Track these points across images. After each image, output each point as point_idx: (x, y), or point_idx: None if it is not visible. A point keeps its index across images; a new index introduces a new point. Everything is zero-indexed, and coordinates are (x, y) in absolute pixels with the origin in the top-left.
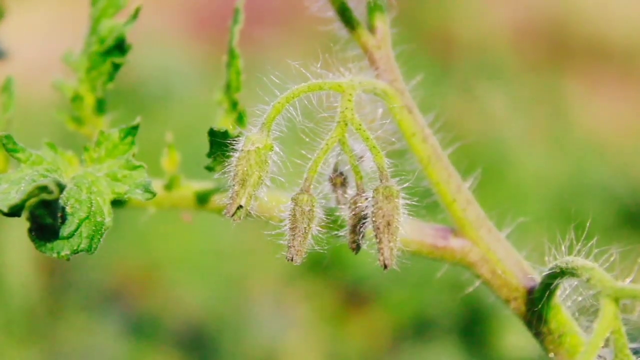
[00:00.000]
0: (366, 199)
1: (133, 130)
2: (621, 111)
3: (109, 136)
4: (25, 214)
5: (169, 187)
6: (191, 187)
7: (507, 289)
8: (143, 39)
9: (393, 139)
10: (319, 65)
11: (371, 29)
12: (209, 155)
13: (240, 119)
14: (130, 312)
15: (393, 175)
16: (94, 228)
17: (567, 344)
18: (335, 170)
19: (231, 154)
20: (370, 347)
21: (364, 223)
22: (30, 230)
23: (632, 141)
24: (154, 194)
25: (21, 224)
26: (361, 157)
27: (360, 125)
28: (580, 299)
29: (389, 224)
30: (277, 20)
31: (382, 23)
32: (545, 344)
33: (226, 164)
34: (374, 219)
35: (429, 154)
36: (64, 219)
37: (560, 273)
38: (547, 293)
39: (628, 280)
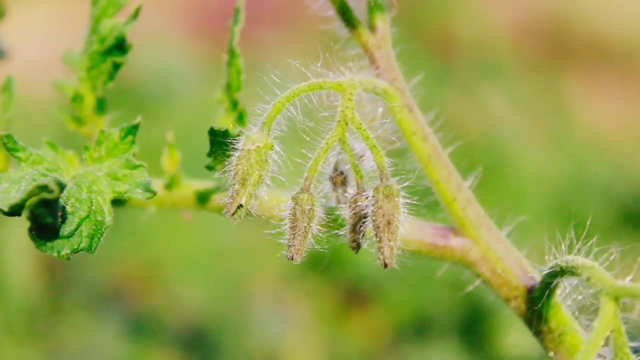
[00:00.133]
0: (366, 198)
1: (133, 130)
2: (621, 111)
3: (109, 135)
4: (25, 213)
5: (169, 186)
6: (191, 186)
7: (507, 287)
8: (143, 38)
9: (393, 138)
10: (319, 65)
11: (371, 28)
12: (210, 154)
13: (240, 118)
14: (131, 311)
15: (393, 174)
16: (94, 227)
17: (567, 342)
18: (335, 169)
19: (232, 153)
20: (371, 346)
21: (364, 222)
22: (30, 230)
23: (633, 140)
24: (154, 193)
25: (21, 223)
26: (361, 156)
27: (360, 124)
28: (580, 297)
29: (389, 223)
30: (277, 19)
31: (383, 22)
32: (545, 343)
33: (226, 163)
34: (374, 218)
35: (429, 153)
36: (64, 218)
37: (560, 272)
38: (547, 292)
39: (628, 279)
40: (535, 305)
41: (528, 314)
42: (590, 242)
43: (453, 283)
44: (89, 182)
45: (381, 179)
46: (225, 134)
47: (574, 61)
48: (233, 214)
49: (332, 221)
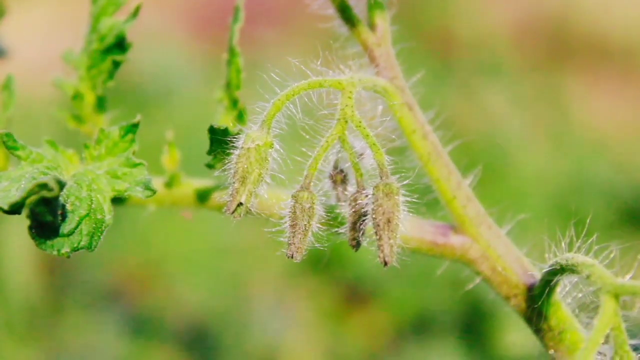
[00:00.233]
0: (366, 196)
1: (133, 128)
2: (621, 109)
3: (109, 134)
4: (25, 212)
5: (169, 184)
6: (191, 184)
7: (507, 286)
8: (144, 37)
9: (393, 136)
10: (319, 63)
11: (371, 26)
12: (209, 152)
13: (240, 117)
14: (131, 311)
15: (393, 172)
16: (94, 225)
17: (568, 340)
18: (335, 167)
19: (231, 151)
20: (371, 345)
21: (364, 220)
22: (30, 228)
23: (633, 139)
24: (154, 192)
25: (22, 221)
26: (361, 155)
27: (360, 122)
28: (580, 295)
29: (389, 221)
30: (277, 18)
31: (382, 20)
32: (545, 341)
33: (226, 161)
34: (374, 216)
35: (429, 151)
36: (64, 216)
37: (560, 270)
38: (547, 290)
39: (628, 276)
40: (535, 303)
41: (528, 312)
42: (590, 240)
43: (453, 281)
44: (88, 180)
45: (381, 177)
46: (225, 132)
47: (574, 60)
48: (233, 212)
49: (332, 219)
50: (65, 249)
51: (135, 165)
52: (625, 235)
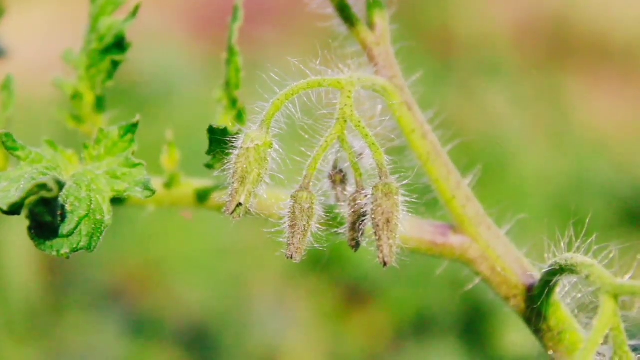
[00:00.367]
0: (365, 196)
1: (132, 128)
2: (622, 109)
3: (108, 134)
4: (24, 212)
5: (168, 185)
6: (191, 184)
7: (506, 286)
8: (143, 37)
9: (392, 136)
10: (318, 62)
11: (370, 25)
12: (209, 152)
13: (239, 117)
14: (131, 311)
15: (392, 172)
16: (93, 226)
17: (567, 340)
18: (334, 167)
19: (230, 151)
20: (371, 345)
21: (363, 220)
22: (29, 229)
23: (633, 138)
24: (153, 192)
25: (21, 222)
26: (360, 154)
27: (359, 122)
28: (579, 296)
29: (388, 221)
30: (276, 18)
31: (382, 19)
32: (544, 341)
33: (226, 161)
34: (373, 216)
35: (428, 151)
36: (63, 217)
37: (560, 270)
38: (546, 290)
39: (627, 277)
40: (535, 304)
41: (527, 312)
42: (590, 240)
43: (453, 282)
44: (88, 180)
45: (380, 177)
46: (224, 132)
47: (574, 60)
48: (232, 213)
49: (332, 219)
50: (65, 250)
51: (135, 165)
52: (625, 234)
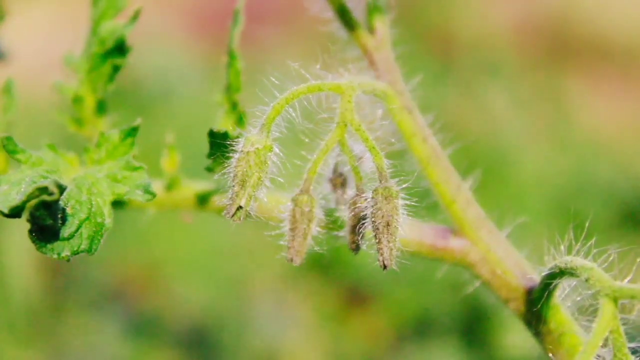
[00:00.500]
0: (366, 199)
1: (133, 132)
2: (622, 109)
3: (109, 137)
4: (25, 215)
5: (169, 187)
6: (191, 187)
7: (506, 289)
8: (144, 38)
9: (393, 140)
10: (318, 67)
11: (371, 30)
12: (209, 156)
13: (240, 120)
14: (132, 312)
15: (392, 176)
16: (94, 229)
17: (567, 343)
18: (335, 171)
19: (231, 155)
20: (372, 347)
21: (363, 224)
22: (30, 232)
23: (633, 139)
24: (154, 195)
25: (22, 223)
26: (361, 158)
27: (359, 126)
28: (579, 298)
29: (388, 225)
30: (277, 20)
31: (382, 24)
32: (544, 344)
33: (226, 164)
34: (373, 220)
35: (428, 155)
36: (64, 220)
37: (560, 273)
38: (546, 293)
39: (626, 280)
40: (535, 307)
41: (527, 315)
42: (590, 243)
43: (453, 283)
44: (89, 184)
45: (380, 181)
46: (225, 135)
47: (575, 61)
48: (233, 216)
49: (332, 223)
50: (66, 253)
51: (136, 168)
52: (626, 236)
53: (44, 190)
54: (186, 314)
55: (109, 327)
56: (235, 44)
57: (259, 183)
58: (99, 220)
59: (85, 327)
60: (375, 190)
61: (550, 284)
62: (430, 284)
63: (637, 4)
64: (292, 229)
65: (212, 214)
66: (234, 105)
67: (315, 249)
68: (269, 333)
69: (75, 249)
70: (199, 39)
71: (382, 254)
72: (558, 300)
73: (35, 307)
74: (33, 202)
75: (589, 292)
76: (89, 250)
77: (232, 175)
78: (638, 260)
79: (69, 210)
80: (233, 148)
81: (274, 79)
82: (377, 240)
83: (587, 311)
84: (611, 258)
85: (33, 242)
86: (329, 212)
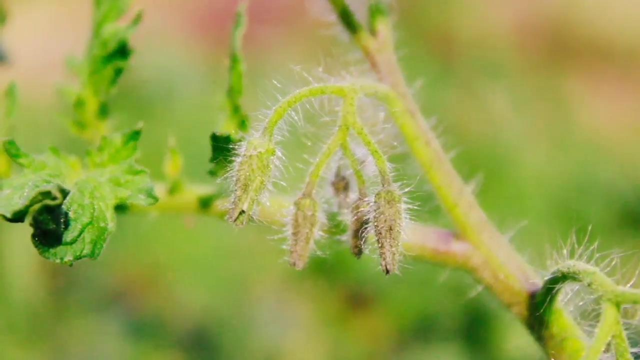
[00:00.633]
0: (368, 203)
1: (135, 135)
2: (623, 110)
3: (111, 141)
4: (28, 220)
5: (171, 191)
6: (194, 191)
7: (509, 293)
8: (144, 39)
9: (395, 143)
10: (320, 69)
11: (373, 32)
12: (212, 160)
13: (242, 124)
14: (133, 313)
15: (395, 180)
16: (97, 233)
17: (569, 348)
18: (337, 174)
19: (233, 158)
20: (373, 349)
21: (366, 228)
22: (33, 236)
23: (634, 140)
24: (156, 199)
25: (23, 225)
26: (363, 162)
27: (362, 129)
28: (581, 303)
29: (390, 229)
30: (279, 20)
31: (384, 26)
32: (547, 348)
33: (228, 168)
34: (375, 224)
35: (431, 158)
36: (67, 224)
37: (562, 277)
38: (549, 297)
39: (629, 284)
40: (537, 311)
41: (530, 319)
42: (592, 247)
43: (456, 286)
44: (91, 187)
45: (383, 185)
46: (227, 139)
47: (575, 61)
48: (235, 220)
49: (334, 227)
50: (68, 257)
51: (138, 172)
52: (627, 237)
53: (46, 194)
54: (187, 316)
55: (110, 329)
56: (238, 47)
57: (262, 187)
58: (102, 224)
59: (86, 329)
60: (377, 194)
61: (552, 288)
62: (432, 286)
63: (638, 5)
64: (295, 233)
65: (215, 217)
66: (236, 109)
67: (317, 253)
68: (271, 335)
69: (77, 253)
70: (200, 39)
71: (384, 259)
72: (560, 305)
73: (36, 308)
74: (36, 206)
75: (592, 296)
76: (91, 255)
77: (234, 179)
78: None
79: (71, 215)
80: (235, 152)
81: (276, 82)
82: (379, 245)
83: (590, 316)
84: (614, 262)
85: (36, 246)
86: (331, 216)
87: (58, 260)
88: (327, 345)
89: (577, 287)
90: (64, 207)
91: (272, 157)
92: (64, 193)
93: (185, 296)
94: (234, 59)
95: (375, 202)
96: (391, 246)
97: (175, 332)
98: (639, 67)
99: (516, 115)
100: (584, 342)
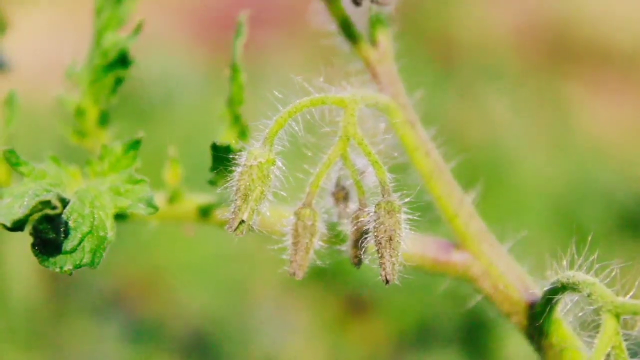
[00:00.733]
0: (368, 213)
1: (136, 145)
2: (623, 114)
3: (111, 150)
4: (28, 228)
5: (171, 200)
6: (194, 200)
7: (508, 303)
8: (144, 42)
9: (395, 154)
10: (321, 79)
11: (373, 42)
12: (212, 169)
13: (242, 133)
14: (133, 317)
15: (395, 190)
16: (96, 242)
17: (568, 358)
18: (337, 184)
19: (234, 168)
20: (372, 354)
21: (365, 238)
22: (33, 245)
23: (634, 144)
24: (156, 209)
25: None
26: (363, 172)
27: (362, 140)
28: (581, 314)
29: (390, 239)
30: (279, 21)
31: (385, 37)
32: (546, 358)
33: (229, 178)
34: (375, 234)
35: (431, 169)
36: (66, 233)
37: (562, 288)
38: (548, 308)
39: (629, 295)
40: (537, 321)
41: (529, 329)
42: (592, 258)
43: (455, 292)
44: (91, 197)
45: (383, 195)
46: (227, 149)
47: (576, 65)
48: (235, 230)
49: (334, 237)
50: (68, 266)
51: (138, 182)
52: (627, 242)
53: (46, 203)
54: (187, 320)
55: (109, 332)
56: (239, 56)
57: (262, 197)
58: (102, 233)
59: (86, 332)
60: (377, 205)
61: (552, 298)
62: (431, 292)
63: (638, 8)
64: (295, 243)
65: (215, 226)
66: (236, 118)
67: (317, 262)
68: (270, 339)
69: (77, 262)
70: (200, 43)
71: (384, 269)
72: (560, 315)
73: (35, 311)
74: (36, 215)
75: (591, 307)
76: (91, 264)
77: (234, 188)
78: None
79: (71, 224)
80: (236, 161)
81: (276, 92)
82: (379, 255)
83: (590, 326)
84: (613, 273)
85: (35, 255)
86: (331, 226)
87: (58, 270)
88: (326, 350)
89: (576, 297)
90: (64, 216)
91: (272, 167)
92: (64, 202)
93: (185, 300)
94: (234, 69)
95: (375, 212)
96: (391, 256)
97: (174, 336)
98: (639, 71)
99: (516, 118)
100: (583, 352)
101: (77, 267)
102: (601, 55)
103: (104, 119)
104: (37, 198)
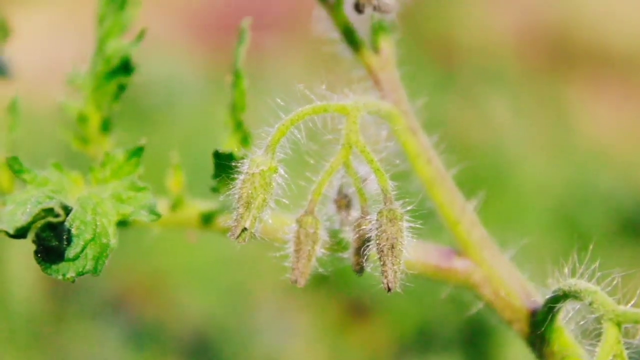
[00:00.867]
0: (370, 221)
1: (138, 152)
2: (624, 118)
3: (114, 157)
4: (31, 236)
5: (174, 207)
6: (196, 207)
7: (510, 310)
8: (146, 46)
9: (397, 161)
10: (323, 87)
11: (375, 49)
12: (214, 177)
13: (245, 140)
14: (134, 321)
15: (397, 197)
16: (99, 249)
17: None
18: (339, 192)
19: (236, 176)
20: (372, 358)
21: (367, 245)
22: (36, 252)
23: (635, 148)
24: (159, 216)
25: None
26: (365, 180)
27: (364, 147)
28: (583, 322)
29: (392, 247)
30: (280, 24)
31: (387, 44)
32: None
33: (231, 186)
34: (377, 242)
35: (433, 176)
36: (69, 240)
37: (563, 296)
38: (550, 315)
39: (630, 304)
40: (538, 329)
41: (531, 336)
42: (594, 266)
43: (456, 296)
44: (93, 204)
45: (385, 203)
46: (230, 157)
47: (576, 69)
48: (237, 237)
49: (336, 244)
50: (71, 274)
51: (140, 189)
52: (628, 246)
53: (49, 211)
54: (188, 323)
55: (110, 336)
56: (241, 63)
57: (264, 204)
58: (104, 240)
59: (86, 336)
60: (379, 212)
61: (554, 306)
62: (432, 296)
63: (638, 12)
64: (297, 251)
65: (217, 233)
66: (238, 125)
67: (319, 270)
68: (271, 343)
69: (80, 269)
70: (202, 46)
71: (386, 277)
72: (562, 323)
73: (36, 315)
74: (39, 223)
75: (593, 315)
76: (94, 271)
77: (237, 196)
78: None
79: (74, 231)
80: (238, 169)
81: (278, 100)
82: (381, 263)
83: (591, 335)
84: (615, 281)
85: (38, 263)
86: (333, 234)
87: (60, 277)
88: (327, 354)
89: (578, 305)
90: (66, 223)
91: (274, 175)
92: (67, 210)
93: (186, 304)
94: (237, 76)
95: (377, 220)
96: (393, 264)
97: (176, 339)
98: None
99: (517, 123)
100: None
101: (80, 274)
102: (602, 58)
103: (106, 126)
104: (39, 205)
